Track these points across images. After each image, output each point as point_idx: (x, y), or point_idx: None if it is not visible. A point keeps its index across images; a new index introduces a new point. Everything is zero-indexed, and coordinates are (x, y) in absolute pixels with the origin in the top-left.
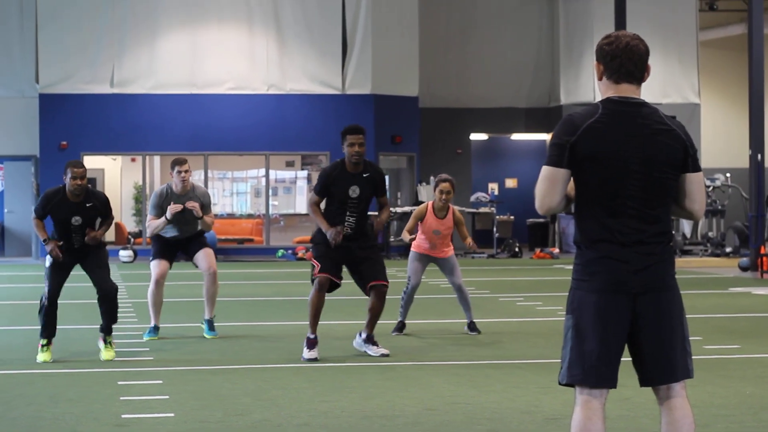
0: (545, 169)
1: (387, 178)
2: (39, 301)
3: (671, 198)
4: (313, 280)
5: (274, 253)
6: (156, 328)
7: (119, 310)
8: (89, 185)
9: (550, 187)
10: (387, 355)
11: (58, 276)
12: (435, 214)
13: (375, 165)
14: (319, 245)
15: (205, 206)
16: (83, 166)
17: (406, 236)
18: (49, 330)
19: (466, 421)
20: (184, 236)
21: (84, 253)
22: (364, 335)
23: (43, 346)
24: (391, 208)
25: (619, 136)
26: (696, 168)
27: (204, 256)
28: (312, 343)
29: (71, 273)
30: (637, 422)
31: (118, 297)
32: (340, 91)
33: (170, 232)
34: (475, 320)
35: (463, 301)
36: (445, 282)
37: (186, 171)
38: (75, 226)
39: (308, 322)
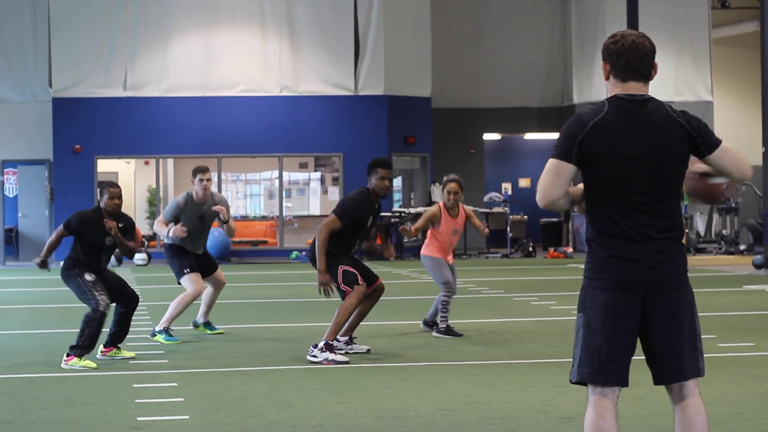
0: (551, 162)
1: (400, 179)
2: (91, 316)
3: (680, 192)
4: (349, 286)
5: (288, 254)
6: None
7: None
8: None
9: (553, 179)
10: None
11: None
12: (449, 214)
13: None
14: (344, 260)
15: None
16: (119, 187)
17: (409, 229)
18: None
19: (481, 421)
20: (199, 251)
21: (103, 274)
22: (346, 338)
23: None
24: (405, 209)
25: (626, 133)
26: (711, 146)
27: (219, 276)
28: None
29: None
30: (651, 420)
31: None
32: (353, 92)
33: (191, 243)
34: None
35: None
36: (459, 282)
37: (208, 179)
38: (108, 247)
39: (339, 329)
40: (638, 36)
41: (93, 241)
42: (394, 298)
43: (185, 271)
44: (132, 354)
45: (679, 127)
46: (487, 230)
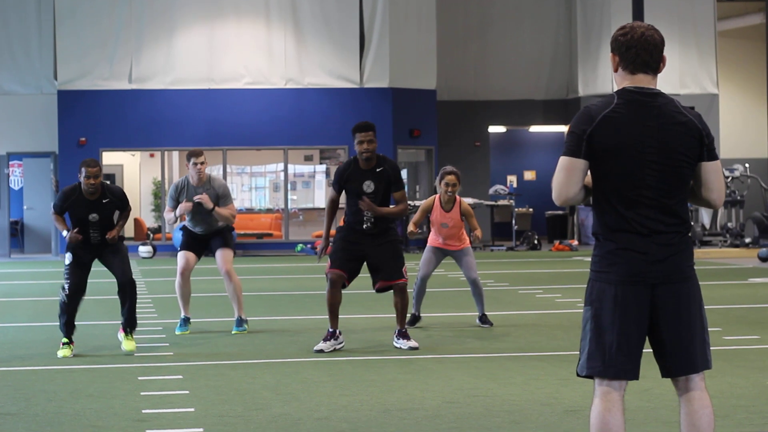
0: (563, 160)
1: (405, 171)
2: (59, 299)
3: (688, 187)
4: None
5: (293, 247)
6: (186, 320)
7: (138, 305)
8: (105, 181)
9: (567, 177)
10: (416, 348)
11: (78, 271)
12: (442, 207)
13: (389, 159)
14: (337, 241)
15: (223, 197)
16: (97, 165)
17: (411, 227)
18: (69, 327)
19: (486, 414)
20: (208, 231)
21: (102, 247)
22: (396, 329)
23: (64, 343)
24: (410, 202)
25: (635, 126)
26: (712, 157)
27: (220, 256)
28: (327, 336)
29: (92, 270)
30: (656, 413)
31: (138, 292)
32: (358, 84)
33: (195, 227)
34: (487, 313)
35: (476, 295)
36: (462, 275)
37: (202, 163)
38: (92, 223)
39: (329, 316)
40: (648, 28)
41: (78, 217)
42: None
43: (178, 249)
44: (132, 347)
45: (690, 123)
46: (477, 235)
